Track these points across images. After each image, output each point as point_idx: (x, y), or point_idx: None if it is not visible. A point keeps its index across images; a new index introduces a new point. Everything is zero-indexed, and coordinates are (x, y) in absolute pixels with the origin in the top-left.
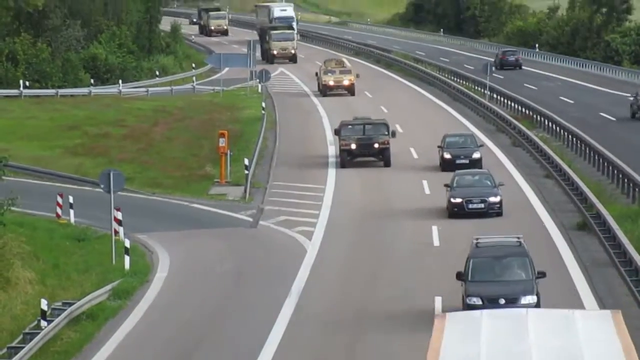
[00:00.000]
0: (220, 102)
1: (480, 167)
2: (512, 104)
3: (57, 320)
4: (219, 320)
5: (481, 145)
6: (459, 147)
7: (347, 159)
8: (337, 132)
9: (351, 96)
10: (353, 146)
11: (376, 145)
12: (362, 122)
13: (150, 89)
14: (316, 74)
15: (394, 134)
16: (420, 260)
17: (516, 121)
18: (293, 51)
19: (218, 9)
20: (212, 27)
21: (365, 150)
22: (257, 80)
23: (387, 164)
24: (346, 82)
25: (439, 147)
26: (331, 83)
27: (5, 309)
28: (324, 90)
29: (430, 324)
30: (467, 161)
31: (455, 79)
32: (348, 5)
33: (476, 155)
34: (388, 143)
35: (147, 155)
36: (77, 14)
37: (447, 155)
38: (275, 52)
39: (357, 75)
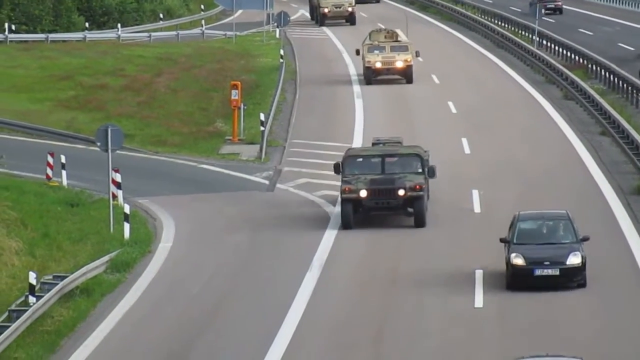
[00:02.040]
0: (232, 49)
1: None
2: (564, 52)
3: (47, 295)
4: (230, 296)
5: (585, 239)
6: (540, 244)
7: (351, 217)
8: (337, 169)
9: (407, 83)
10: (364, 194)
11: (401, 193)
12: (381, 153)
13: (153, 34)
14: (357, 51)
15: (432, 172)
16: (459, 228)
17: (569, 71)
18: (350, 9)
19: None
20: None
21: (384, 199)
22: (275, 24)
23: (421, 223)
24: (400, 64)
25: (502, 240)
26: (378, 65)
27: None
28: (369, 75)
29: (469, 300)
30: (555, 272)
31: (499, 22)
32: None
33: (574, 259)
34: (421, 188)
35: (149, 109)
36: None
37: (519, 261)
38: (326, 11)
39: (417, 54)
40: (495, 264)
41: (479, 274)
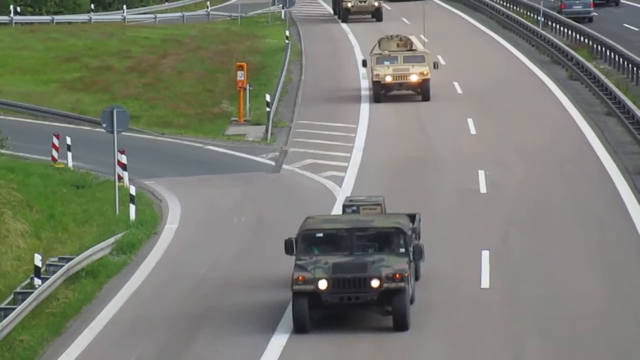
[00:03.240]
0: (238, 30)
1: None
2: (569, 32)
3: (52, 278)
4: (236, 278)
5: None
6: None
7: (306, 317)
8: (289, 248)
9: (423, 100)
10: (323, 285)
11: (375, 284)
12: (350, 226)
13: (158, 15)
14: (364, 62)
15: (418, 253)
16: (465, 209)
17: (574, 51)
18: (376, 3)
19: None
20: None
21: (352, 292)
22: (280, 5)
23: (402, 325)
24: (414, 78)
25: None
26: (389, 79)
27: None
28: (377, 91)
29: (476, 282)
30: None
31: (504, 3)
32: None
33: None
34: (402, 278)
35: (154, 90)
36: None
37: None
38: (349, 5)
39: (435, 65)
40: (502, 244)
41: (485, 254)
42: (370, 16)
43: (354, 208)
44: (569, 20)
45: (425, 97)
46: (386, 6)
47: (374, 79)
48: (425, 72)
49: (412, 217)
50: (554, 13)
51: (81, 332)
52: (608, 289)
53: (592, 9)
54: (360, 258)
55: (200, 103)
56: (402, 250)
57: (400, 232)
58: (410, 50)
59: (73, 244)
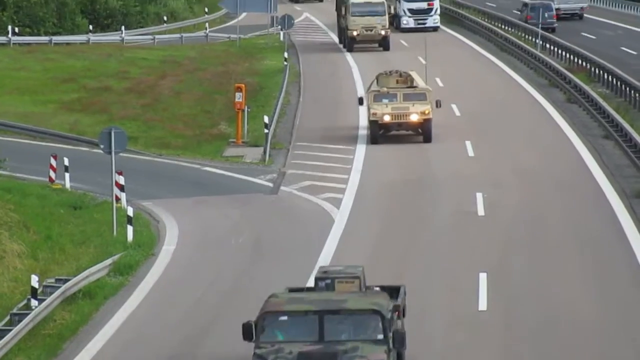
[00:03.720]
0: (236, 51)
1: None
2: (567, 55)
3: (49, 299)
4: (233, 300)
5: None
6: None
7: None
8: (248, 333)
9: (425, 142)
10: None
11: None
12: (319, 308)
13: (157, 36)
14: (360, 100)
15: (400, 340)
16: (463, 231)
17: (572, 74)
18: (383, 32)
19: None
20: None
21: None
22: (279, 27)
23: None
24: (415, 118)
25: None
26: (387, 119)
27: None
28: (375, 132)
29: (474, 304)
30: None
31: (502, 26)
32: None
33: None
34: None
35: (153, 111)
36: None
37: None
38: (355, 34)
39: (438, 104)
40: (499, 266)
41: (482, 276)
42: (377, 45)
43: (328, 282)
44: (567, 43)
45: (427, 139)
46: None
47: (371, 118)
48: (426, 112)
49: (395, 290)
50: (552, 36)
51: (78, 353)
52: (605, 312)
53: (555, 20)
54: (331, 346)
55: (198, 124)
56: (380, 336)
57: (378, 314)
58: (411, 87)
59: (70, 265)
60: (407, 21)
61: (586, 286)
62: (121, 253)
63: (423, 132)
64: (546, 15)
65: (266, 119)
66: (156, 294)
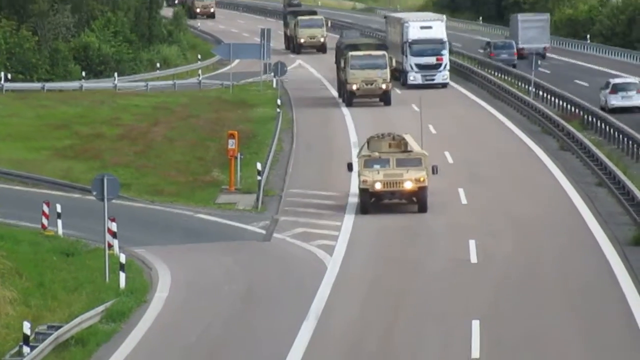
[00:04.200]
0: (229, 98)
1: None
2: (560, 102)
3: (41, 346)
4: (226, 347)
5: None
6: None
7: None
8: None
9: (420, 212)
10: None
11: None
12: None
13: (149, 83)
14: (349, 166)
15: None
16: (456, 279)
17: (565, 122)
18: (384, 86)
19: None
20: (197, 9)
21: None
22: (272, 74)
23: None
24: (409, 185)
25: None
26: (378, 187)
27: None
28: (365, 201)
29: (466, 351)
30: None
31: (496, 73)
32: None
33: None
34: None
35: (145, 158)
36: None
37: None
38: (354, 88)
39: (435, 170)
40: (492, 314)
41: (475, 324)
42: (378, 100)
43: None
44: (560, 90)
45: (422, 208)
46: (397, 90)
47: (361, 186)
48: (422, 179)
49: None
50: (545, 83)
51: None
52: None
53: (515, 57)
54: None
55: (191, 171)
56: None
57: None
58: (405, 151)
59: (62, 312)
60: (414, 77)
61: (579, 335)
62: (114, 300)
63: (418, 201)
64: (507, 54)
65: (259, 166)
66: (149, 340)
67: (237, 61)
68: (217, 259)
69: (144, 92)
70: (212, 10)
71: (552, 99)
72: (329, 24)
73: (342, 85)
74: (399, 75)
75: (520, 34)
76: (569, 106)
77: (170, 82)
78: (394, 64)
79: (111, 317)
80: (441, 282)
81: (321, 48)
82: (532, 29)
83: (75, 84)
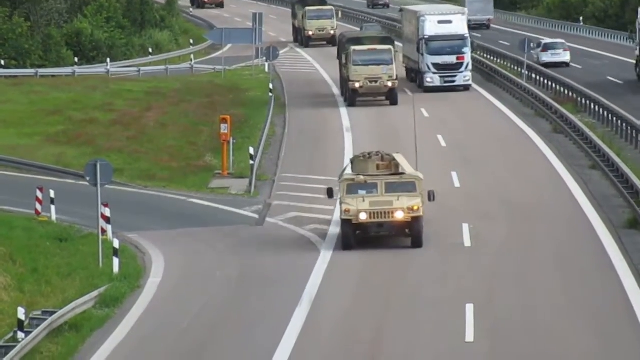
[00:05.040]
0: (222, 83)
1: None
2: (554, 85)
3: (36, 331)
4: (219, 331)
5: None
6: None
7: None
8: None
9: (414, 247)
10: None
11: None
12: None
13: (142, 68)
14: (329, 191)
15: None
16: (449, 262)
17: (558, 104)
18: (389, 83)
19: None
20: None
21: None
22: (264, 58)
23: None
24: (400, 215)
25: None
26: (363, 217)
27: None
28: (348, 234)
29: (461, 335)
30: None
31: (488, 56)
32: None
33: None
34: None
35: (138, 143)
36: None
37: None
38: (357, 86)
39: (432, 196)
40: (486, 298)
41: (469, 307)
42: (384, 98)
43: None
44: (553, 73)
45: (417, 243)
46: (407, 91)
47: (343, 217)
48: (415, 207)
49: None
50: (538, 66)
51: None
52: (593, 345)
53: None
54: None
55: (184, 156)
56: None
57: None
58: (396, 174)
59: (56, 298)
60: (432, 79)
61: (574, 318)
62: (107, 285)
63: (411, 234)
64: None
65: (252, 151)
66: (143, 325)
67: (229, 46)
68: (210, 243)
69: (136, 77)
70: None
71: (545, 81)
72: (339, 15)
73: (344, 82)
74: (415, 76)
75: (468, 7)
76: (562, 89)
77: (163, 67)
78: (400, 58)
79: (105, 303)
80: (435, 266)
81: (331, 41)
82: (477, 2)
83: (68, 70)
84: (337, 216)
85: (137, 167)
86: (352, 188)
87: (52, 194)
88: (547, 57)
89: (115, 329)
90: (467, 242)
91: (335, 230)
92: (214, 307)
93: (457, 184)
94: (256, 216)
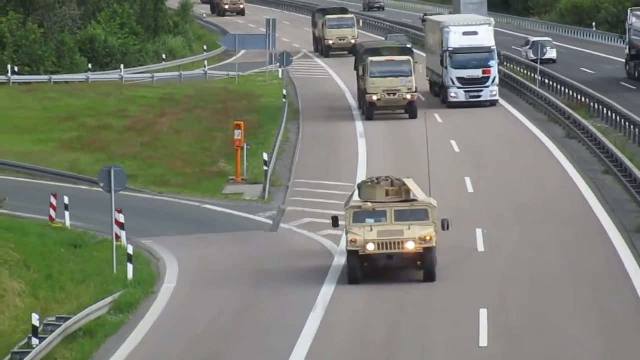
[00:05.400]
0: (235, 89)
1: None
2: (567, 90)
3: (50, 337)
4: (234, 337)
5: None
6: None
7: None
8: None
9: (426, 281)
10: None
11: None
12: None
13: (156, 74)
14: (334, 220)
15: None
16: (463, 267)
17: (571, 110)
18: (409, 96)
19: None
20: (226, 6)
21: None
22: (278, 64)
23: None
24: (411, 246)
25: None
26: (371, 248)
27: None
28: (354, 267)
29: (474, 340)
30: None
31: (502, 61)
32: None
33: None
34: None
35: (152, 149)
36: None
37: None
38: (375, 99)
39: (446, 225)
40: (500, 303)
41: (483, 312)
42: (403, 112)
43: None
44: (566, 78)
45: (429, 276)
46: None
47: (349, 247)
48: (428, 237)
49: None
50: (552, 71)
51: None
52: (606, 349)
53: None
54: None
55: (197, 162)
56: None
57: None
58: (407, 201)
59: (71, 304)
60: (456, 94)
61: (587, 323)
62: (121, 291)
63: (423, 266)
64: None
65: (265, 156)
66: (157, 331)
67: (242, 52)
68: (224, 249)
69: (150, 83)
70: (241, 6)
71: (559, 87)
72: (361, 23)
73: (362, 95)
74: (439, 91)
75: (462, 9)
76: (575, 94)
77: (177, 73)
78: (421, 70)
79: (119, 309)
80: (448, 271)
81: (352, 50)
82: (471, 5)
83: (81, 76)
84: (343, 246)
85: (151, 173)
86: (359, 216)
87: (66, 200)
88: (534, 55)
89: (129, 335)
90: (481, 247)
91: (340, 261)
92: (228, 313)
93: (470, 189)
94: (270, 222)
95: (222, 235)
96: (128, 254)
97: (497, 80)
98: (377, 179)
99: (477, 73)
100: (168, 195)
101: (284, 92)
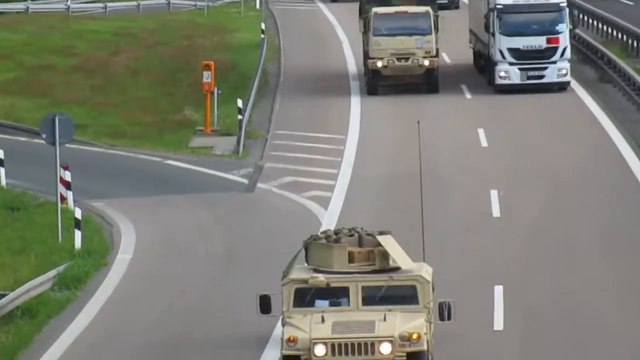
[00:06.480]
0: (204, 22)
1: None
2: (600, 25)
3: None
4: (202, 318)
5: None
6: None
7: None
8: None
9: None
10: None
11: None
12: None
13: (109, 4)
14: (262, 301)
15: None
16: (475, 236)
17: (605, 48)
18: (426, 62)
19: None
20: None
21: None
22: None
23: None
24: (386, 350)
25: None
26: (320, 353)
27: None
28: None
29: (488, 323)
30: None
31: None
32: None
33: None
34: None
35: (104, 94)
36: None
37: None
38: (380, 65)
39: (447, 313)
40: (518, 278)
41: (498, 290)
42: (419, 82)
43: None
44: (600, 11)
45: None
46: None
47: (285, 351)
48: (415, 335)
49: None
50: (583, 3)
51: None
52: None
53: None
54: None
55: (159, 110)
56: None
57: None
58: (382, 270)
59: (7, 278)
60: (507, 72)
61: (619, 303)
62: (68, 263)
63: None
64: None
65: (240, 103)
66: (109, 311)
67: None
68: (191, 213)
69: (102, 15)
70: None
71: (591, 21)
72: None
73: (366, 60)
74: (484, 65)
75: None
76: (610, 29)
77: (134, 3)
78: (439, 27)
79: (65, 283)
80: (457, 241)
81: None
82: None
83: (20, 6)
84: (344, 173)
85: (104, 123)
86: (304, 296)
87: (1, 153)
88: None
89: (77, 316)
90: (496, 212)
91: (339, 199)
92: (195, 288)
93: (484, 143)
94: (245, 181)
95: (188, 197)
96: (75, 219)
97: (568, 53)
98: (336, 233)
99: (539, 42)
100: (123, 149)
101: (262, 26)
